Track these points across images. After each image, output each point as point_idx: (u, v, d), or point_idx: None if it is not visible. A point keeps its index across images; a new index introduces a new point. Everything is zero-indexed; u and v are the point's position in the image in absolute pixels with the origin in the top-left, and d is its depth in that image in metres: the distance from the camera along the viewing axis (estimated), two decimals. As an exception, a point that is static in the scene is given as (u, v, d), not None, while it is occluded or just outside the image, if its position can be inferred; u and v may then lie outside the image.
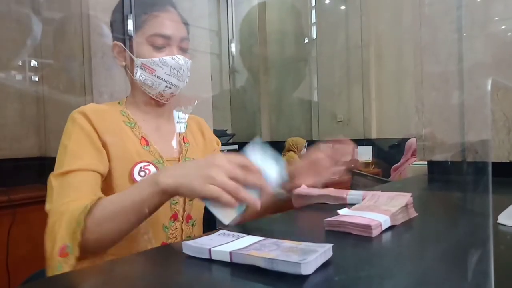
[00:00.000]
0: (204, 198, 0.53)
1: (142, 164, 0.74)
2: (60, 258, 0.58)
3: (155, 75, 0.77)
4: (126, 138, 0.76)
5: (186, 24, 0.82)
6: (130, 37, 0.79)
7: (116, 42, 0.81)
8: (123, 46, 0.79)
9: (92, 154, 0.70)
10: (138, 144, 0.76)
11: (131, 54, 0.78)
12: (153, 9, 0.78)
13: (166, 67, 0.77)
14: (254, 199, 0.53)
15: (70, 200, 0.63)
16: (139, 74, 0.77)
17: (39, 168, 2.02)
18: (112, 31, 0.83)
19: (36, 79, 2.12)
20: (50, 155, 2.06)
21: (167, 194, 0.57)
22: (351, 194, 0.71)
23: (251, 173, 0.54)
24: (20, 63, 2.07)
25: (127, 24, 0.80)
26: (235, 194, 0.51)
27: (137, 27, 0.77)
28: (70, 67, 1.77)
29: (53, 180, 0.67)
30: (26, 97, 2.10)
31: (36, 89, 2.13)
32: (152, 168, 0.75)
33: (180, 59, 0.78)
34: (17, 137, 2.05)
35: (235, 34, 4.28)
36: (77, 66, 1.68)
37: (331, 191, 0.75)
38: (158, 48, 0.77)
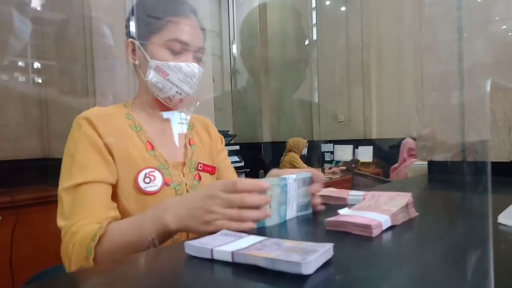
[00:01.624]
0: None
1: (147, 171, 0.73)
2: None
3: (167, 79, 0.77)
4: (131, 143, 0.75)
5: (203, 29, 0.82)
6: (143, 38, 0.78)
7: (131, 39, 0.80)
8: (139, 45, 0.78)
9: (101, 164, 0.70)
10: (143, 149, 0.76)
11: (146, 55, 0.77)
12: (174, 13, 0.77)
13: (180, 73, 0.77)
14: (259, 215, 0.55)
15: (82, 218, 0.64)
16: (151, 75, 0.77)
17: (42, 169, 2.03)
18: (127, 30, 0.82)
19: (39, 80, 2.13)
20: (52, 156, 2.06)
21: (174, 233, 0.60)
22: (352, 194, 0.72)
23: (248, 194, 0.55)
24: (23, 64, 2.08)
25: (144, 25, 0.79)
26: (238, 219, 0.54)
27: (156, 30, 0.76)
28: (72, 68, 1.78)
29: (63, 194, 0.67)
30: (28, 98, 2.11)
31: (38, 91, 2.14)
32: (157, 174, 0.74)
33: (195, 67, 0.78)
34: (20, 138, 2.06)
35: (236, 35, 4.29)
36: (79, 68, 1.69)
37: (332, 191, 0.75)
38: (175, 53, 0.77)
